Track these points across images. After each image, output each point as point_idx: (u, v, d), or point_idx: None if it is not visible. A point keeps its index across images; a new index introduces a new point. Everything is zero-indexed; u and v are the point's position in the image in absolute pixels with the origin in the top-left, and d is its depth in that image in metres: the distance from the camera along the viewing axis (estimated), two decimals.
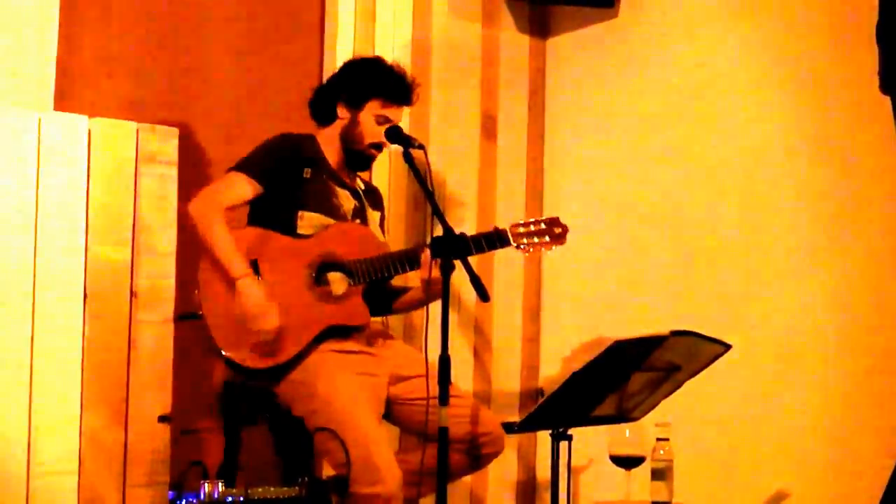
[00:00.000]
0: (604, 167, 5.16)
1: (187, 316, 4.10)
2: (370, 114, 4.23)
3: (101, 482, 3.82)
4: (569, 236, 4.25)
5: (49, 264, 3.79)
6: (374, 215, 4.36)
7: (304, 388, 4.02)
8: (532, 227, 4.22)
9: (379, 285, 4.21)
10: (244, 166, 4.11)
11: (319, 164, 4.22)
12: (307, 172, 4.17)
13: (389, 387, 4.13)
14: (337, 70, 4.38)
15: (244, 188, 4.09)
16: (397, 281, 4.28)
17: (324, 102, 4.30)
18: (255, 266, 4.04)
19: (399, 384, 4.13)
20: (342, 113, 4.26)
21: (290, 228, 4.13)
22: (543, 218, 4.26)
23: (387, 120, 4.23)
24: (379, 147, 4.26)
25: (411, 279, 4.27)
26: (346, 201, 4.24)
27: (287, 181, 4.13)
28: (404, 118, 4.81)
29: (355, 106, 4.24)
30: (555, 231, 4.23)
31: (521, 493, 5.18)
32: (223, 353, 3.98)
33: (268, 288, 4.00)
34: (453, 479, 4.17)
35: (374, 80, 4.25)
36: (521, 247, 4.21)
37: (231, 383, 4.06)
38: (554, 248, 4.24)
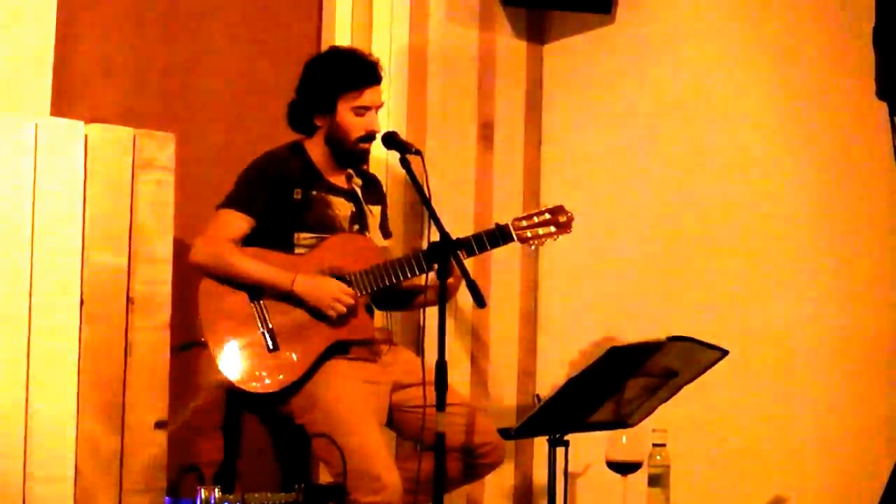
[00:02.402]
0: (601, 172, 5.16)
1: (189, 345, 4.11)
2: (346, 111, 4.15)
3: (98, 488, 3.81)
4: (566, 240, 4.22)
5: (45, 270, 3.78)
6: (374, 211, 4.33)
7: (305, 397, 4.01)
8: (536, 219, 4.15)
9: (387, 290, 4.17)
10: (233, 202, 4.09)
11: (309, 175, 4.18)
12: (297, 193, 4.12)
13: (391, 394, 4.12)
14: (299, 80, 4.26)
15: (238, 224, 4.08)
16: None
17: (299, 118, 4.24)
18: (256, 288, 4.05)
19: (400, 391, 4.12)
20: (320, 122, 4.20)
21: (287, 250, 4.12)
22: (546, 207, 4.18)
23: (365, 108, 4.15)
24: (368, 139, 4.19)
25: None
26: (342, 208, 4.22)
27: (278, 207, 4.10)
28: (401, 123, 4.82)
29: (328, 111, 4.17)
30: (559, 220, 4.16)
31: (517, 498, 5.18)
32: (231, 380, 3.98)
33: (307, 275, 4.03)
34: (452, 489, 4.16)
35: (332, 80, 4.16)
36: (526, 241, 4.15)
37: (232, 390, 4.05)
38: (560, 237, 4.18)
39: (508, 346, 5.23)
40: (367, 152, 4.24)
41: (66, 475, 3.76)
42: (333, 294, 4.02)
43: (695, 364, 3.91)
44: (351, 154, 4.21)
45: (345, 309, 4.03)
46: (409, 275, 4.08)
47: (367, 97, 4.17)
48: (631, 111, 5.08)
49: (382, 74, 4.22)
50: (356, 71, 4.17)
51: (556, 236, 4.16)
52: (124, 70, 4.45)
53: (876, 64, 3.74)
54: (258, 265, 4.04)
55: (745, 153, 4.75)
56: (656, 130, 5.00)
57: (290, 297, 4.04)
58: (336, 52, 4.32)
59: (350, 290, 4.04)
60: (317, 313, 4.04)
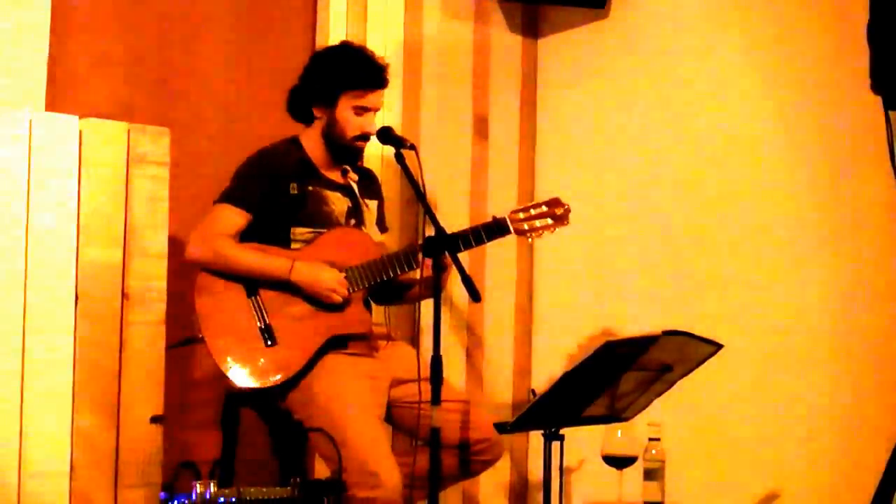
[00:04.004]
0: (595, 167, 5.16)
1: (186, 341, 4.10)
2: (346, 108, 4.14)
3: (93, 483, 3.81)
4: (561, 234, 4.22)
5: (40, 266, 3.78)
6: (371, 206, 4.32)
7: (303, 392, 4.01)
8: (532, 212, 4.14)
9: (384, 284, 4.16)
10: (229, 197, 4.08)
11: (305, 170, 4.17)
12: (293, 187, 4.12)
13: (390, 390, 4.11)
14: (305, 67, 4.24)
15: (234, 219, 4.06)
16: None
17: (299, 106, 4.23)
18: (252, 284, 4.04)
19: (398, 387, 4.11)
20: (318, 113, 4.19)
21: (284, 245, 4.11)
22: (543, 200, 4.17)
23: (365, 109, 4.15)
24: (364, 138, 4.18)
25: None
26: (339, 203, 4.21)
27: (275, 202, 4.09)
28: (396, 118, 4.81)
29: (329, 105, 4.16)
30: (556, 212, 4.14)
31: (513, 493, 5.18)
32: (229, 377, 3.97)
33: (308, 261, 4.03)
34: (448, 485, 4.16)
35: (340, 75, 4.15)
36: (523, 233, 4.14)
37: (230, 386, 4.05)
38: (557, 229, 4.17)
39: (504, 341, 5.23)
40: (360, 150, 4.24)
41: (61, 470, 3.77)
42: (329, 283, 4.02)
43: (689, 358, 3.91)
44: (345, 150, 4.21)
45: (340, 299, 4.02)
46: (405, 269, 4.08)
47: (370, 99, 4.17)
48: (625, 105, 5.08)
49: (389, 79, 4.21)
50: (365, 71, 4.16)
51: (553, 228, 4.16)
52: (119, 64, 4.45)
53: (870, 58, 3.75)
54: (255, 256, 4.04)
55: (741, 147, 4.75)
56: (651, 124, 5.00)
57: (287, 289, 4.03)
58: (348, 47, 4.30)
59: (344, 281, 4.04)
60: (314, 304, 4.04)
